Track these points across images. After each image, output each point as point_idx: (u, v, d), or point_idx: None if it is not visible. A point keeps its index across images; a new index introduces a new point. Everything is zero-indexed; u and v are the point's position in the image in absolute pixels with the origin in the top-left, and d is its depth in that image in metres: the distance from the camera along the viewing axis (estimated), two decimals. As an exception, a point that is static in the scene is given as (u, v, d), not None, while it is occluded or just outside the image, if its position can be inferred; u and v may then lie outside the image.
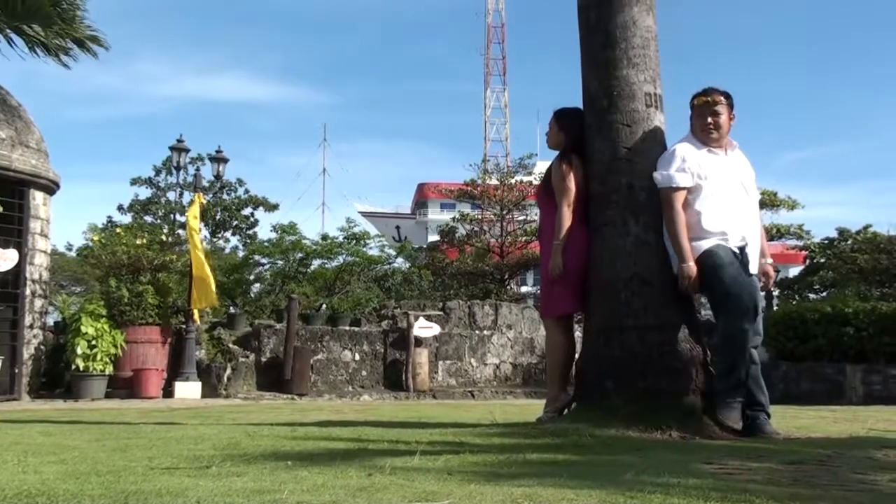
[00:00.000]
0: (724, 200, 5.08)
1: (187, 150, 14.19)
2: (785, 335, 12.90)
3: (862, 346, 12.16)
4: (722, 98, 5.16)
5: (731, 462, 3.80)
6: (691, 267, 5.02)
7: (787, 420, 7.21)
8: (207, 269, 12.16)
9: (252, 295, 25.08)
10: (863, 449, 4.43)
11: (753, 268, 5.10)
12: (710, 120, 5.15)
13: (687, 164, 5.10)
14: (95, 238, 13.03)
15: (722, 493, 2.85)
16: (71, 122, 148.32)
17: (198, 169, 29.49)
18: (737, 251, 5.04)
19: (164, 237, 13.49)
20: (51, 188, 12.09)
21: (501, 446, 4.37)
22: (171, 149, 13.63)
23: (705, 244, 5.04)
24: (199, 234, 12.57)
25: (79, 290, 30.33)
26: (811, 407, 9.94)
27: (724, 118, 5.14)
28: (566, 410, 5.55)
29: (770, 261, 5.38)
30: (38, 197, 11.77)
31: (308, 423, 6.21)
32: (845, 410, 9.29)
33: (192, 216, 12.47)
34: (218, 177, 14.67)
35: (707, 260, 5.00)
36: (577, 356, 5.73)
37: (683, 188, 5.09)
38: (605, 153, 5.46)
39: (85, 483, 3.08)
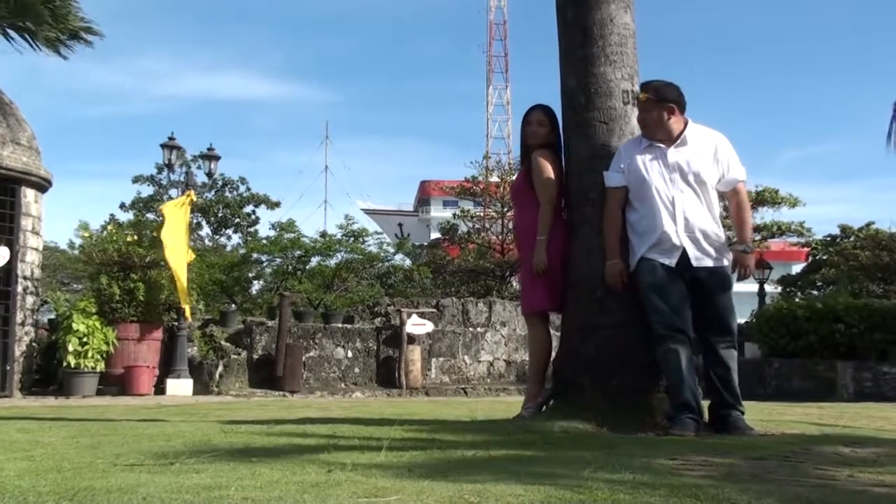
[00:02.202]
0: (657, 197, 5.01)
1: (179, 148, 14.21)
2: (777, 332, 12.92)
3: (853, 342, 12.18)
4: (648, 94, 5.10)
5: (695, 458, 3.80)
6: (615, 264, 5.08)
7: (772, 417, 7.22)
8: (182, 269, 12.11)
9: (254, 292, 25.17)
10: (832, 445, 4.44)
11: (706, 260, 5.01)
12: (640, 116, 5.16)
13: (619, 163, 5.14)
14: (86, 235, 13.07)
15: (672, 487, 2.87)
16: (76, 119, 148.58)
17: (199, 166, 29.57)
18: (666, 263, 4.98)
19: (155, 234, 13.46)
20: (42, 186, 12.13)
21: (471, 443, 4.38)
22: (163, 146, 13.64)
23: (637, 252, 5.08)
24: (186, 231, 12.51)
25: (80, 288, 30.40)
26: (800, 404, 9.96)
27: (653, 114, 5.06)
28: (544, 407, 5.57)
29: (746, 247, 5.15)
30: (29, 194, 11.81)
31: (288, 420, 6.21)
32: (833, 407, 9.31)
33: (172, 210, 12.43)
34: (210, 174, 14.71)
35: (636, 277, 5.09)
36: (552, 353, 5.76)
37: (615, 187, 5.14)
38: (582, 151, 5.47)
39: (41, 479, 3.09)
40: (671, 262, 4.97)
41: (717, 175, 5.10)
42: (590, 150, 5.41)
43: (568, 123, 5.61)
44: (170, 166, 13.55)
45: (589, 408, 5.10)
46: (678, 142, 5.06)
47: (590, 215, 5.35)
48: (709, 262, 5.01)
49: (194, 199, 13.07)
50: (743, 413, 5.14)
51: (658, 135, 5.07)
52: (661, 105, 5.05)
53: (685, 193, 5.01)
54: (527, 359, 15.54)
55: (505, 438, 4.59)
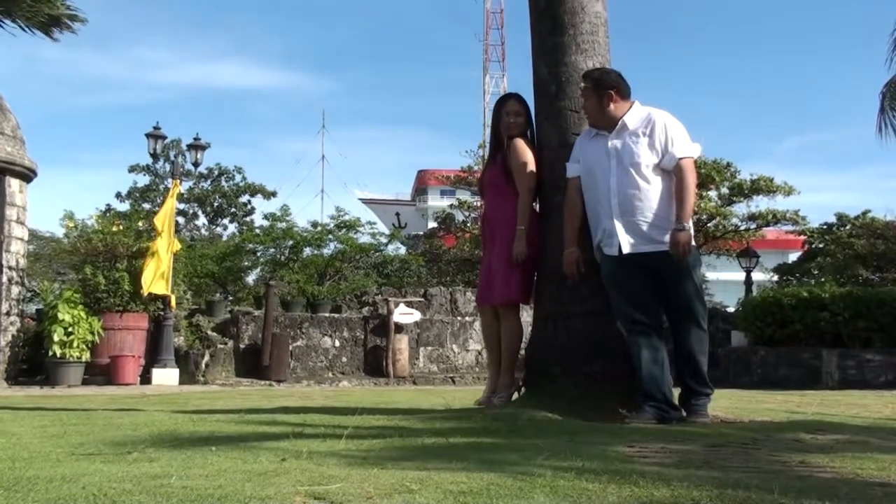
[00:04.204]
0: (597, 185, 5.03)
1: (164, 138, 14.22)
2: (763, 320, 12.97)
3: (838, 330, 12.23)
4: (585, 83, 5.11)
5: (653, 445, 3.83)
6: (570, 253, 5.11)
7: (750, 405, 7.26)
8: (164, 257, 12.08)
9: (251, 282, 25.10)
10: (794, 432, 4.47)
11: (647, 245, 4.94)
12: (583, 105, 5.18)
13: (575, 153, 5.18)
14: (71, 225, 13.07)
15: (615, 474, 2.89)
16: (73, 109, 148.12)
17: (196, 157, 29.50)
18: (612, 253, 4.98)
19: (140, 224, 13.47)
20: (27, 175, 12.13)
21: (436, 430, 4.39)
22: (148, 136, 13.65)
23: (594, 242, 5.12)
24: (170, 221, 12.50)
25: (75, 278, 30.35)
26: (782, 392, 10.01)
27: (591, 102, 5.06)
28: (517, 395, 5.60)
29: (680, 226, 4.88)
30: (14, 184, 11.81)
31: (263, 410, 6.23)
32: (815, 395, 9.36)
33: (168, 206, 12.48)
34: (196, 164, 14.72)
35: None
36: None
37: (571, 177, 5.17)
38: (553, 139, 5.48)
39: (-11, 469, 3.11)
40: (614, 251, 4.97)
41: (657, 156, 4.96)
42: (561, 138, 5.43)
43: (540, 112, 5.62)
44: (155, 155, 13.55)
45: (560, 396, 5.12)
46: (618, 127, 5.02)
47: (561, 204, 5.34)
48: (650, 248, 4.94)
49: (180, 189, 13.09)
50: (708, 395, 5.13)
51: (600, 122, 5.07)
52: (600, 92, 5.02)
53: (623, 179, 4.95)
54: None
55: (470, 426, 4.60)
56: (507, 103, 5.72)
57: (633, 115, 5.05)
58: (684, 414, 5.06)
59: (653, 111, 5.09)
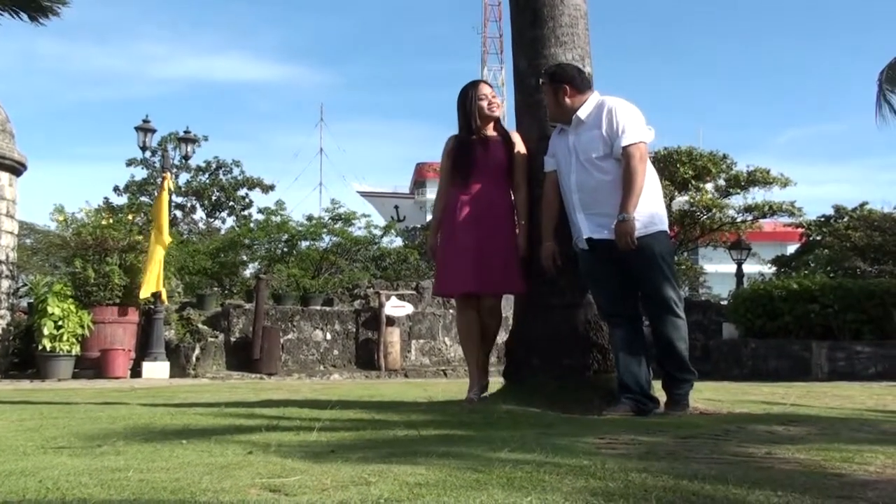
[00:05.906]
0: (562, 181, 5.03)
1: (154, 131, 14.22)
2: (753, 313, 12.97)
3: (828, 322, 12.24)
4: (542, 79, 5.13)
5: (623, 436, 3.82)
6: (546, 247, 5.14)
7: (736, 397, 7.27)
8: (157, 256, 12.06)
9: (248, 276, 25.10)
10: (768, 423, 4.45)
11: (602, 232, 4.89)
12: (546, 102, 5.18)
13: (549, 148, 5.19)
14: (61, 219, 13.07)
15: (575, 466, 2.90)
16: (72, 103, 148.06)
17: (186, 151, 29.40)
18: (583, 247, 4.99)
19: (131, 217, 13.47)
20: (17, 169, 12.12)
21: (411, 423, 4.39)
22: (137, 129, 13.63)
23: (573, 238, 5.10)
24: (165, 215, 12.48)
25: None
26: (770, 384, 10.00)
27: (548, 97, 5.07)
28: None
29: (625, 217, 4.75)
30: (3, 177, 11.81)
31: (245, 403, 6.23)
32: (802, 387, 9.36)
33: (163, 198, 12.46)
34: (186, 157, 14.69)
35: None
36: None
37: (547, 171, 5.18)
38: (533, 132, 5.48)
39: (-49, 463, 3.11)
40: (584, 245, 4.98)
41: (608, 146, 4.88)
42: (540, 131, 5.42)
43: (520, 105, 5.62)
44: (145, 149, 13.54)
45: (539, 388, 5.14)
46: (574, 121, 4.99)
47: (540, 197, 5.35)
48: (600, 232, 4.89)
49: (171, 183, 13.09)
50: (690, 381, 5.09)
51: (558, 117, 5.07)
52: (555, 87, 5.00)
53: (581, 174, 4.93)
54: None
55: (446, 419, 4.61)
56: (482, 87, 5.60)
57: (587, 107, 4.99)
58: (663, 405, 5.06)
59: (606, 100, 5.01)
